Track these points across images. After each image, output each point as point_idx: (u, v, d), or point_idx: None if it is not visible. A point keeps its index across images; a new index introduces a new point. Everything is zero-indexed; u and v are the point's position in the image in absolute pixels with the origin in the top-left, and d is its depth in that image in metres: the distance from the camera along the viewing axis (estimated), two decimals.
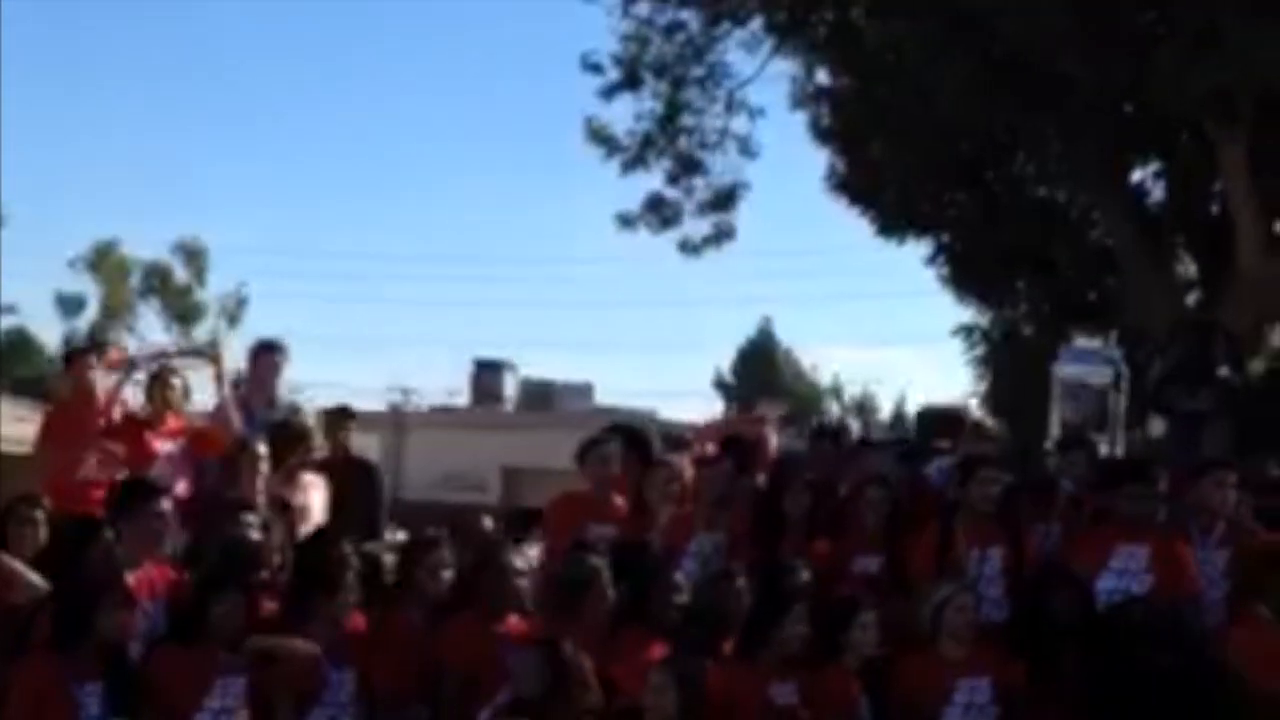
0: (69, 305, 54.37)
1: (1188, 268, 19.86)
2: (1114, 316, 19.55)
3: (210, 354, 10.46)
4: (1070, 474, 8.89)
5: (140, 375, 10.01)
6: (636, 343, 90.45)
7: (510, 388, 33.73)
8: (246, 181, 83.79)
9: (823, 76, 21.13)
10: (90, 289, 54.85)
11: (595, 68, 20.82)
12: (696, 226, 21.62)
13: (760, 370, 56.89)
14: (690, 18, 21.03)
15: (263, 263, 72.06)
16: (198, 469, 9.55)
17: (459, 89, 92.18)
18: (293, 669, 6.96)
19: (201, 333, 54.20)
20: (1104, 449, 13.47)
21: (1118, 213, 18.97)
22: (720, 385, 58.21)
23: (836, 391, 58.80)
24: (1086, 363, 15.19)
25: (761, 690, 7.45)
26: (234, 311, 54.78)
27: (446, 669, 7.36)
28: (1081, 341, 17.23)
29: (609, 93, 20.97)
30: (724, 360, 59.50)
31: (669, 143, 21.22)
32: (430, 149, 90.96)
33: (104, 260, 53.84)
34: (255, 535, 7.78)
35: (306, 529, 8.74)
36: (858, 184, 20.40)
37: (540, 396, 32.98)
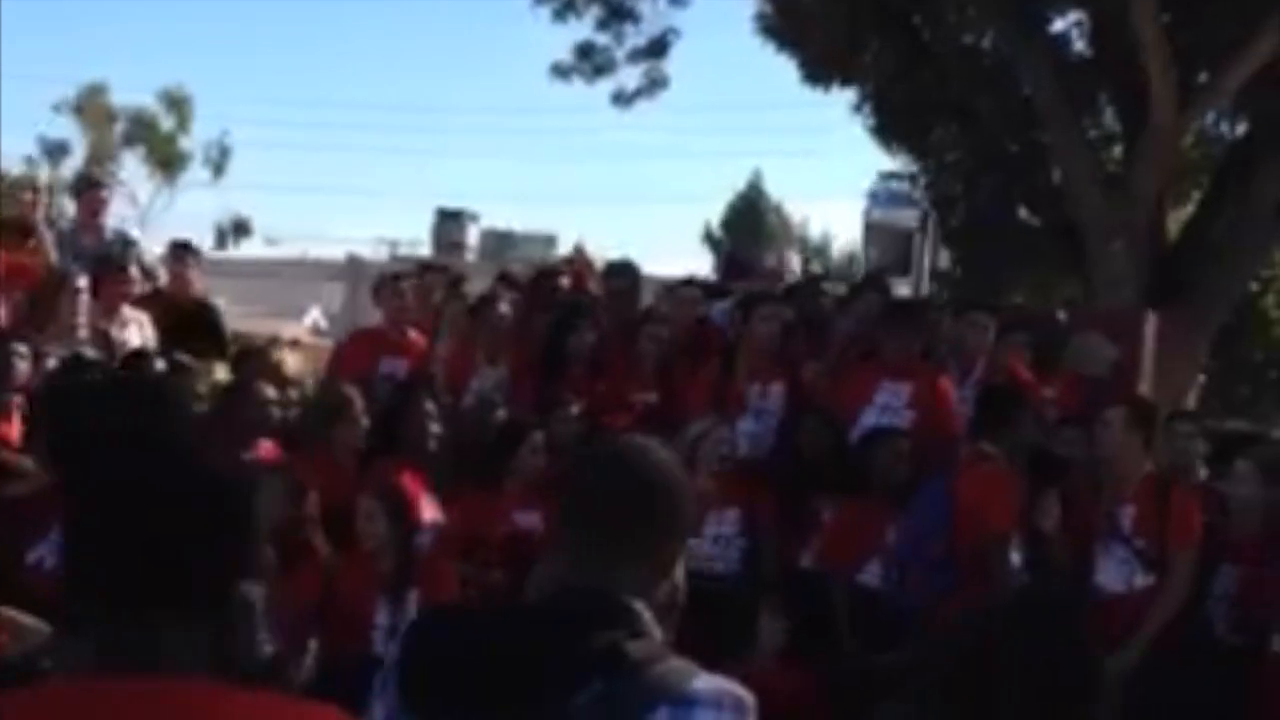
0: (52, 150, 54.30)
1: (1112, 122, 19.66)
2: (1036, 170, 19.42)
3: (26, 187, 10.53)
4: (861, 315, 8.94)
5: None
6: (614, 195, 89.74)
7: (472, 237, 33.68)
8: (230, 28, 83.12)
9: None
10: (74, 134, 54.75)
11: None
12: (630, 76, 21.39)
13: (750, 225, 56.55)
14: None
15: (247, 112, 71.53)
16: (12, 303, 9.63)
17: None
18: (20, 488, 7.07)
19: (185, 180, 54.34)
20: (906, 291, 13.54)
21: (1038, 64, 18.75)
22: (709, 239, 57.91)
23: (822, 247, 58.49)
24: (894, 206, 15.03)
25: (505, 517, 7.62)
26: (218, 160, 54.79)
27: None
28: (892, 184, 17.05)
29: None
30: (714, 214, 59.13)
31: None
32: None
33: (90, 104, 53.62)
34: (22, 365, 7.88)
35: None
36: (785, 28, 20.14)
37: (502, 246, 32.97)
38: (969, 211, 15.40)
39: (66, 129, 54.45)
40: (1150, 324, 9.36)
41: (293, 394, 8.30)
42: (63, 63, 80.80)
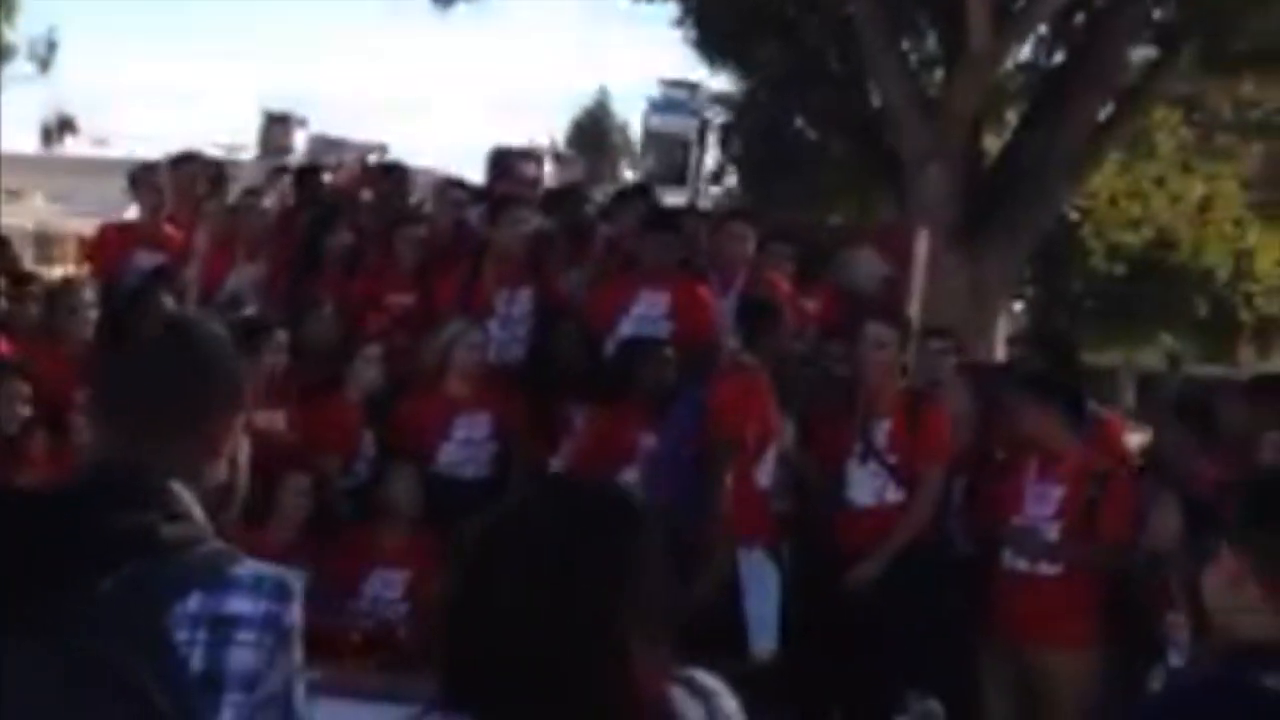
0: None
1: (934, 46, 19.66)
2: (853, 91, 19.38)
3: None
4: (624, 223, 8.79)
5: None
6: (449, 104, 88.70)
7: (300, 142, 32.93)
8: None
9: None
10: None
11: None
12: None
13: (593, 141, 56.10)
14: None
15: (73, 6, 69.53)
16: None
17: None
18: None
19: (9, 76, 52.53)
20: (682, 200, 13.43)
21: None
22: (553, 154, 57.22)
23: None
24: (673, 114, 14.93)
25: (247, 420, 7.38)
26: (44, 56, 53.06)
27: None
28: (671, 92, 16.93)
29: None
30: (558, 129, 58.49)
31: None
32: None
33: None
34: None
35: None
36: None
37: (331, 152, 32.24)
38: (768, 130, 15.38)
39: None
40: (922, 241, 9.32)
41: (32, 289, 7.93)
42: None
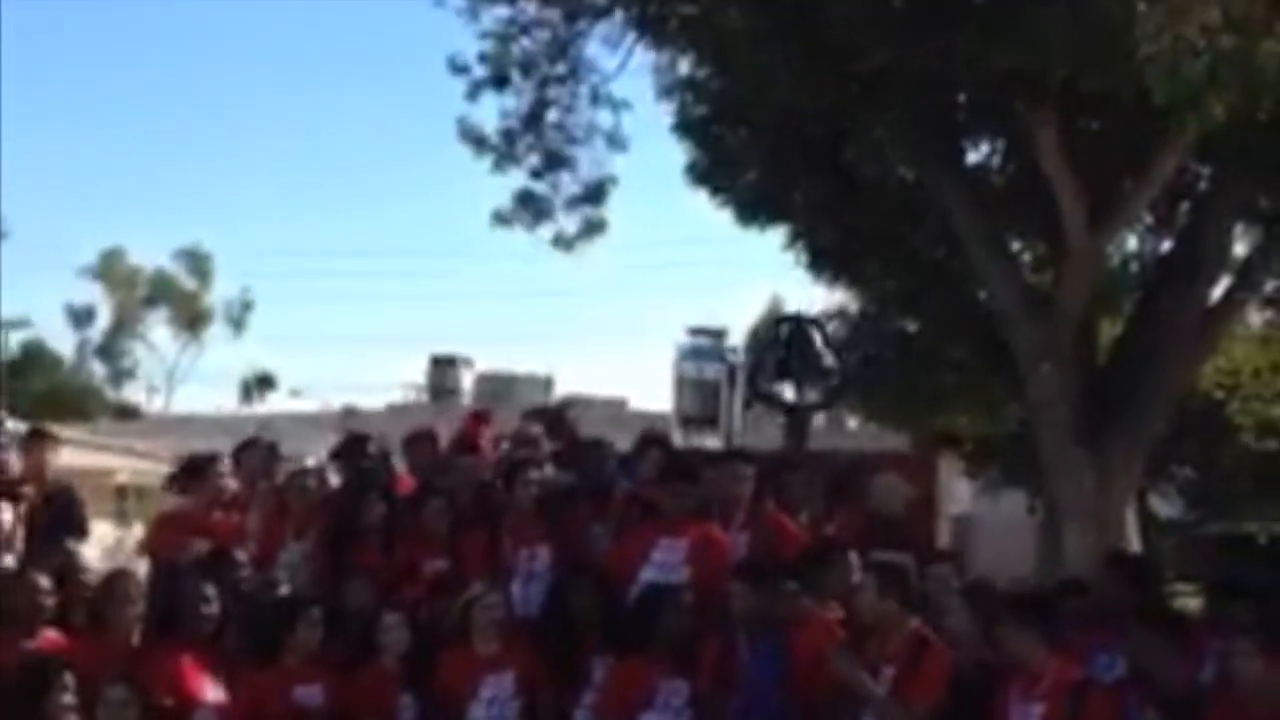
0: (79, 316, 55.38)
1: (1036, 248, 19.80)
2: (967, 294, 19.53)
3: None
4: (644, 472, 9.17)
5: None
6: (606, 332, 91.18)
7: (467, 382, 34.10)
8: (241, 185, 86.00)
9: (684, 67, 21.14)
10: (98, 298, 55.82)
11: (462, 69, 20.90)
12: (570, 221, 21.71)
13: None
14: (551, 15, 21.11)
15: (265, 265, 73.75)
16: None
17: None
18: None
19: (209, 337, 55.14)
20: (717, 442, 13.72)
21: (957, 194, 18.91)
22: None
23: None
24: (702, 359, 15.29)
25: (285, 694, 7.84)
26: (239, 316, 55.83)
27: None
28: (699, 339, 17.27)
29: (474, 92, 21.02)
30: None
31: (536, 139, 21.35)
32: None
33: (110, 269, 54.77)
34: None
35: None
36: (716, 174, 20.44)
37: (499, 390, 33.30)
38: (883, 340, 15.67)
39: (90, 294, 55.50)
40: (945, 465, 9.51)
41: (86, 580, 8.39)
42: (77, 229, 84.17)
